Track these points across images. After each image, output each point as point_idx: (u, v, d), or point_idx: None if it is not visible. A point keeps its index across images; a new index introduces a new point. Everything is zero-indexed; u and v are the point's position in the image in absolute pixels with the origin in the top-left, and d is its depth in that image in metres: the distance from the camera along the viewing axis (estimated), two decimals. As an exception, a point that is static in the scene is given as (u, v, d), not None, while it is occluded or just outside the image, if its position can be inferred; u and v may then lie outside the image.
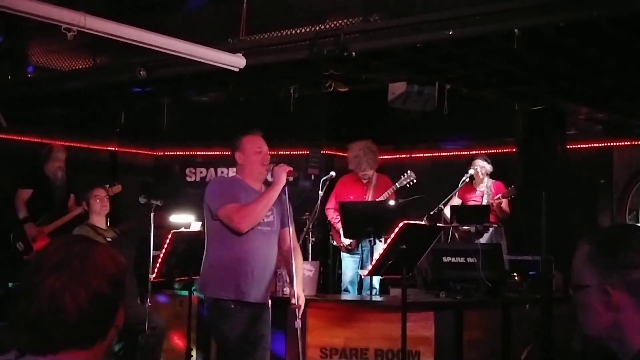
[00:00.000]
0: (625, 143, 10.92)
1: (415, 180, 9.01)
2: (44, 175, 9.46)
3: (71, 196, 9.39)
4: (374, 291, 8.19)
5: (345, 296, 8.83)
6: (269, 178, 5.77)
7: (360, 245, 8.96)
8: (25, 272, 1.98)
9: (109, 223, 7.81)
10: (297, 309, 5.64)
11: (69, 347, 1.93)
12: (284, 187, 5.64)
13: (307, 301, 7.46)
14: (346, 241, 8.91)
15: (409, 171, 9.14)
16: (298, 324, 5.59)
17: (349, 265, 9.09)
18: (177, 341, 8.15)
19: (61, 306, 1.90)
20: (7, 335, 2.02)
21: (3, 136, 10.51)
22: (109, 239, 7.38)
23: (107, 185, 8.24)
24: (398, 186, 9.02)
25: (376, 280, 8.26)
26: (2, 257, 9.20)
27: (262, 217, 5.57)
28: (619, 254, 2.13)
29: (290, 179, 5.72)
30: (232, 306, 5.52)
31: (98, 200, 7.62)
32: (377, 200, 8.93)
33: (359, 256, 9.00)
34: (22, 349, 1.95)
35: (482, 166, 9.62)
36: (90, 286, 1.93)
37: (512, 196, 9.31)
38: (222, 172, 11.24)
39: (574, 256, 2.24)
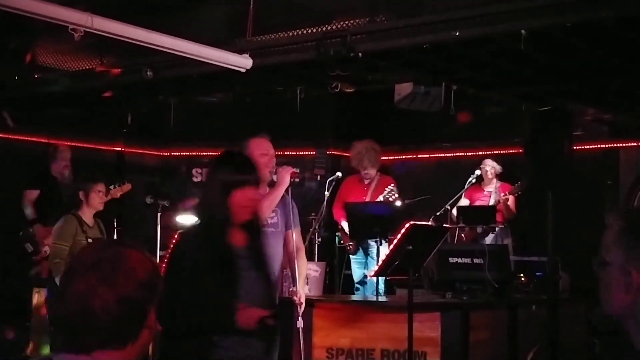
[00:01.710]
0: (632, 144, 10.90)
1: (396, 195, 8.97)
2: (50, 176, 9.47)
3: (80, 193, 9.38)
4: (379, 292, 8.19)
5: (352, 297, 8.83)
6: (274, 178, 5.79)
7: (361, 247, 8.98)
8: (63, 274, 2.07)
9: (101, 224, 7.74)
10: (298, 306, 5.68)
11: (101, 348, 1.98)
12: (287, 188, 5.68)
13: (313, 301, 7.50)
14: (346, 225, 8.91)
15: (392, 185, 9.11)
16: (300, 323, 5.61)
17: (356, 266, 9.12)
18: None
19: (90, 309, 1.96)
20: (15, 335, 2.07)
21: (10, 136, 10.54)
22: (89, 240, 7.25)
23: (117, 185, 8.24)
24: (382, 199, 8.99)
25: (381, 281, 8.25)
26: (11, 258, 9.22)
27: (265, 217, 5.58)
28: None
29: (295, 180, 5.75)
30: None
31: (100, 196, 7.58)
32: (384, 201, 8.94)
33: (363, 258, 9.02)
34: (58, 347, 2.00)
35: (492, 166, 9.63)
36: (118, 290, 1.98)
37: (519, 192, 9.29)
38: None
39: (605, 232, 2.23)
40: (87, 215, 7.55)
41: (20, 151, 10.58)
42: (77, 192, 7.69)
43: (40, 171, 9.58)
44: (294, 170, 5.78)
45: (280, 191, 5.66)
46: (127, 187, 8.73)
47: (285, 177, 5.67)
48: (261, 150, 5.76)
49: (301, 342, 5.65)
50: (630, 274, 2.12)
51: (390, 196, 8.95)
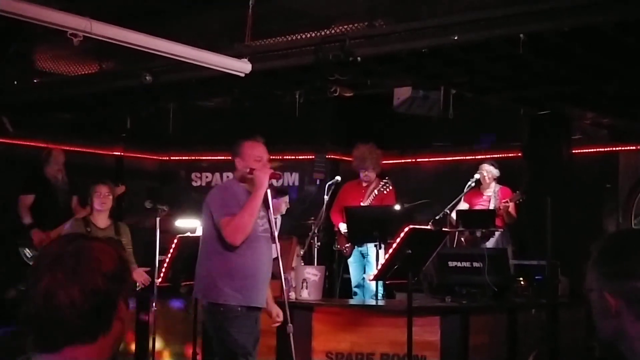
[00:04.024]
0: (631, 148, 10.91)
1: (390, 187, 9.02)
2: (45, 180, 9.46)
3: (74, 198, 9.38)
4: (378, 296, 8.20)
5: (351, 301, 8.83)
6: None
7: (357, 249, 9.02)
8: (29, 272, 2.02)
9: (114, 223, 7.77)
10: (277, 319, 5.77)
11: (70, 344, 1.96)
12: (267, 191, 5.59)
13: (312, 306, 7.52)
14: (344, 227, 8.93)
15: (386, 177, 9.18)
16: (290, 328, 5.62)
17: (353, 268, 9.15)
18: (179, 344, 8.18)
19: (56, 305, 1.93)
20: (13, 340, 2.07)
21: (9, 141, 10.54)
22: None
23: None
24: (377, 193, 9.04)
25: (379, 284, 8.26)
26: (9, 264, 9.21)
27: (250, 225, 5.49)
28: (618, 262, 2.13)
29: (274, 182, 5.67)
30: (241, 311, 5.53)
31: (98, 198, 7.62)
32: (378, 194, 8.99)
33: (360, 260, 9.05)
34: (31, 348, 2.00)
35: (489, 171, 9.61)
36: (83, 283, 1.95)
37: (520, 200, 9.30)
38: (228, 177, 11.19)
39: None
40: (97, 217, 7.60)
41: (19, 156, 10.58)
42: (73, 196, 7.70)
43: (34, 176, 9.56)
44: (274, 171, 5.67)
45: (260, 195, 5.51)
46: (121, 189, 8.74)
47: (264, 179, 5.53)
48: (255, 154, 5.67)
49: (292, 347, 5.65)
50: (605, 298, 2.13)
51: (385, 189, 8.98)
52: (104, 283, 1.98)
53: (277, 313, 5.78)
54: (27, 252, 9.00)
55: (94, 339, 1.98)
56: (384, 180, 9.09)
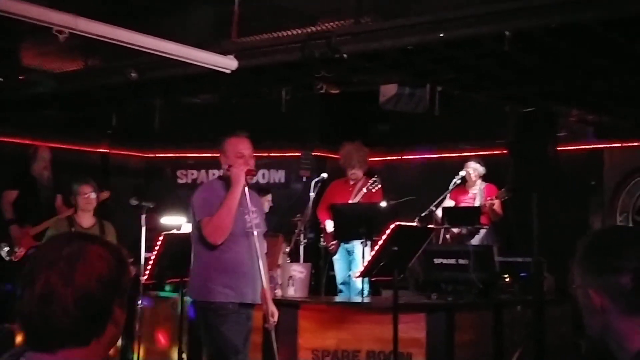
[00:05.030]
0: (616, 145, 10.95)
1: (379, 186, 9.04)
2: (30, 177, 9.44)
3: (58, 197, 9.36)
4: (363, 293, 8.21)
5: (337, 298, 8.84)
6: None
7: (343, 246, 9.03)
8: (21, 272, 2.01)
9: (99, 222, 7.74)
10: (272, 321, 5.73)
11: (63, 347, 1.96)
12: (244, 188, 5.58)
13: (298, 303, 7.52)
14: (329, 225, 8.94)
15: (375, 175, 9.21)
16: (271, 325, 5.64)
17: (338, 265, 9.16)
18: (165, 343, 8.16)
19: (49, 309, 1.93)
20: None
21: (-5, 138, 10.51)
22: None
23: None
24: (365, 191, 9.05)
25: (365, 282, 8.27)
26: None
27: (230, 223, 5.48)
28: (602, 258, 2.15)
29: (250, 179, 5.66)
30: (232, 308, 5.52)
31: (82, 197, 7.60)
32: (366, 192, 9.00)
33: (346, 257, 9.06)
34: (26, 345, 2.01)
35: (474, 168, 9.62)
36: (76, 288, 1.95)
37: (505, 198, 9.31)
38: (214, 174, 11.23)
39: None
40: (82, 217, 7.59)
41: (4, 153, 10.53)
42: (57, 194, 7.62)
43: (19, 172, 9.55)
44: (250, 167, 5.66)
45: (237, 192, 5.51)
46: (105, 194, 8.69)
47: (240, 175, 5.55)
48: (237, 150, 5.67)
49: (274, 343, 5.66)
50: (589, 296, 2.14)
51: (374, 187, 8.99)
52: (98, 289, 1.98)
53: (272, 312, 5.75)
54: (4, 246, 8.95)
55: (86, 343, 1.99)
56: (373, 178, 9.10)
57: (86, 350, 1.98)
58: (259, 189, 8.62)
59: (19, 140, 10.67)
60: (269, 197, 9.25)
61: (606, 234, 2.31)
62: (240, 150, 5.67)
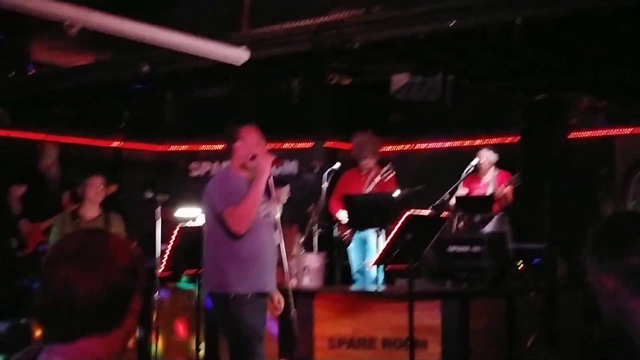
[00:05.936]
0: (628, 131, 10.92)
1: (394, 172, 9.05)
2: (37, 172, 9.47)
3: (65, 194, 9.36)
4: (378, 282, 8.23)
5: (352, 287, 8.87)
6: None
7: (357, 235, 9.05)
8: (42, 263, 2.05)
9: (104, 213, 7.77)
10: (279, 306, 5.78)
11: (86, 334, 2.00)
12: (270, 178, 5.60)
13: (314, 292, 7.55)
14: (341, 215, 8.96)
15: (389, 163, 9.21)
16: (294, 314, 5.68)
17: (353, 254, 9.18)
18: (184, 334, 8.20)
19: (75, 296, 1.97)
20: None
21: (6, 133, 10.54)
22: None
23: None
24: (378, 180, 9.06)
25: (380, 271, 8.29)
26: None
27: (254, 213, 5.49)
28: (613, 243, 2.18)
29: (275, 168, 5.67)
30: (251, 297, 5.54)
31: (91, 188, 7.63)
32: (380, 181, 9.00)
33: (360, 246, 9.08)
34: (44, 338, 2.03)
35: (487, 156, 9.60)
36: (103, 276, 2.00)
37: (518, 184, 9.30)
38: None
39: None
40: (87, 208, 7.60)
41: (16, 148, 10.57)
42: (69, 189, 7.65)
43: (27, 167, 9.58)
44: (276, 157, 5.67)
45: (263, 182, 5.52)
46: (113, 188, 8.71)
47: (266, 165, 5.55)
48: (257, 137, 5.67)
49: (296, 333, 5.70)
50: (602, 280, 2.17)
51: (387, 175, 8.99)
52: (121, 277, 2.03)
53: (279, 299, 5.79)
54: (14, 241, 8.98)
55: (108, 331, 2.03)
56: (386, 167, 9.09)
57: (106, 340, 2.02)
58: (277, 181, 8.66)
59: (31, 136, 10.71)
60: (287, 188, 9.27)
61: (617, 220, 2.33)
62: (259, 137, 5.68)
